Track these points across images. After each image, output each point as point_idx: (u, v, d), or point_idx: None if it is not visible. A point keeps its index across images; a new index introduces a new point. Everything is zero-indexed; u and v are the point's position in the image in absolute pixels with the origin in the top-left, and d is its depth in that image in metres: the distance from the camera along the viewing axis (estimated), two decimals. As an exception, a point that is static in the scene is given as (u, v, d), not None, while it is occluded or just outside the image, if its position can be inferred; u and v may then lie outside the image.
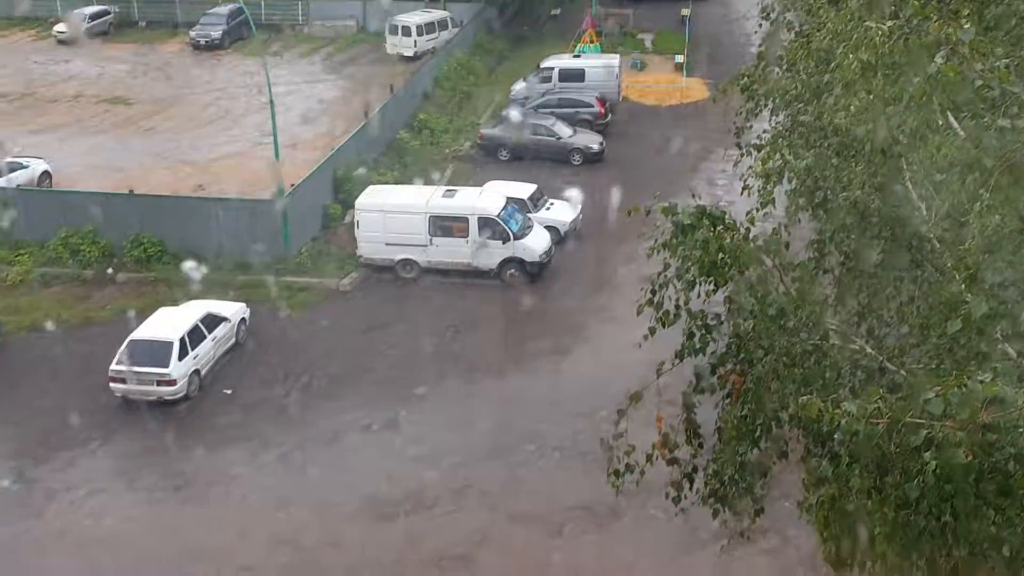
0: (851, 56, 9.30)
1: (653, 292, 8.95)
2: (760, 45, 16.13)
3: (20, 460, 20.48)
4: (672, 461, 9.61)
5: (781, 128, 13.21)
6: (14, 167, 31.59)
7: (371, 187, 28.87)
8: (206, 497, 19.21)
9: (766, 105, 13.58)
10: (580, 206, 29.68)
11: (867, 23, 9.14)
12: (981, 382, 6.28)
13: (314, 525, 18.13)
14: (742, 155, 13.33)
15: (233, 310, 24.29)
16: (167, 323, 22.77)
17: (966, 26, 8.06)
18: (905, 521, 6.75)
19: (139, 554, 17.58)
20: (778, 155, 11.67)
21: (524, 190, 29.22)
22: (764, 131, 13.53)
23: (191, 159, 34.68)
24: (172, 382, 21.67)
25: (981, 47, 8.27)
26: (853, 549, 7.54)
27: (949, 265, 9.42)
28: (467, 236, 26.57)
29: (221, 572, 17.01)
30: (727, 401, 9.13)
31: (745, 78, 13.85)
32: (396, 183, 30.70)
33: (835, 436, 6.74)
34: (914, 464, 6.42)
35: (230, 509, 18.85)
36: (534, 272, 26.64)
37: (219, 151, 35.44)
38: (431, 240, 26.77)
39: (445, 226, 26.80)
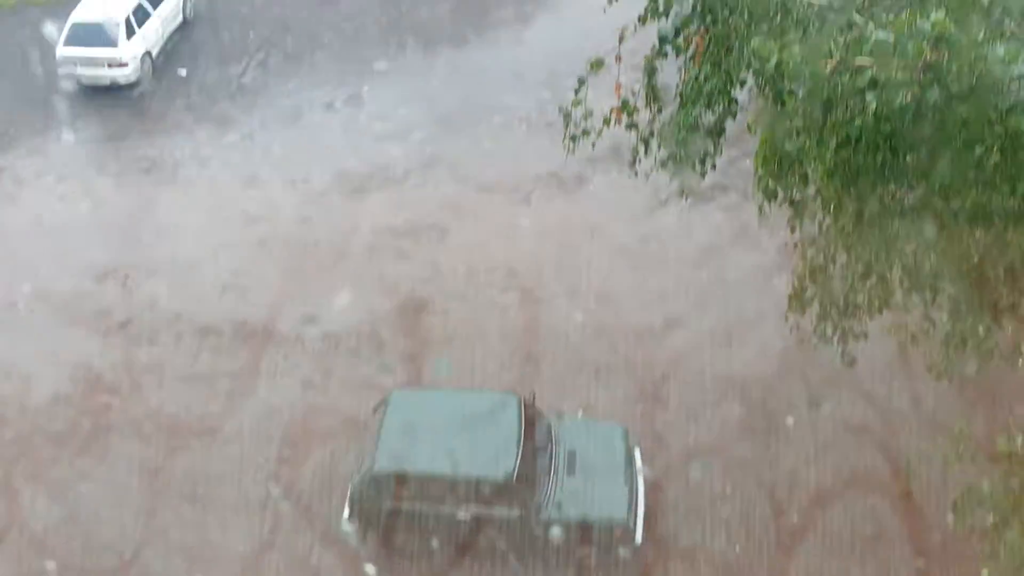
0: None
1: (618, -49, 8.58)
2: None
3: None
4: (630, 126, 9.78)
5: None
6: None
7: None
8: (176, 178, 19.35)
9: None
10: None
11: None
12: (932, 21, 6.30)
13: (286, 201, 18.49)
14: None
15: (176, -16, 22.95)
16: (108, 1, 21.58)
17: None
18: (845, 159, 7.08)
19: (117, 235, 18.01)
20: None
21: None
22: None
23: None
24: (123, 64, 20.97)
25: None
26: (788, 185, 7.97)
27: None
28: None
29: (199, 249, 17.55)
30: (690, 63, 9.10)
31: None
32: None
33: (788, 77, 6.87)
34: (857, 105, 6.62)
35: (201, 188, 19.09)
36: (493, -68, 25.04)
37: None
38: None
39: None
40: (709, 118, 9.28)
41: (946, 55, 6.29)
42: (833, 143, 7.03)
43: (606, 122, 9.61)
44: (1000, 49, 6.32)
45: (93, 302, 16.79)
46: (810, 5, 8.91)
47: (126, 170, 19.61)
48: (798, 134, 7.07)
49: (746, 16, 8.30)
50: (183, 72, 21.84)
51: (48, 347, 16.06)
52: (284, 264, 17.23)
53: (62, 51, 20.97)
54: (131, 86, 21.27)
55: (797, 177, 7.80)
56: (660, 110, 9.82)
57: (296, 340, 15.82)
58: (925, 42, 6.37)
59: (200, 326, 16.18)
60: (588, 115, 9.42)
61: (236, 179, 19.16)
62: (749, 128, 8.53)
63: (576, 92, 9.30)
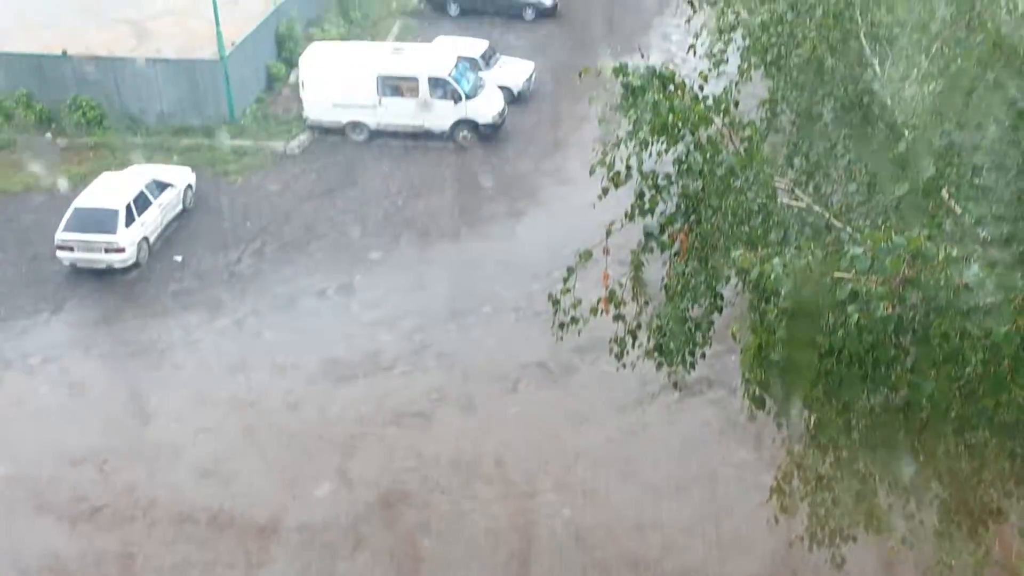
0: None
1: (605, 153, 8.95)
2: None
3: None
4: (617, 317, 9.91)
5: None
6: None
7: (315, 44, 27.87)
8: (163, 362, 19.31)
9: None
10: (533, 64, 29.08)
11: None
12: (908, 238, 6.52)
13: (273, 388, 18.39)
14: (694, 11, 13.10)
15: (178, 175, 23.78)
16: (112, 189, 22.28)
17: None
18: (828, 369, 7.12)
19: (99, 419, 17.76)
20: (732, 10, 11.50)
21: (475, 47, 28.47)
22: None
23: (126, 17, 33.04)
24: (121, 249, 21.39)
25: None
26: (774, 392, 7.97)
27: (899, 123, 9.51)
28: (418, 96, 26.01)
29: (182, 434, 17.27)
30: (675, 259, 9.32)
31: None
32: (341, 40, 29.70)
33: (769, 289, 7.02)
34: (839, 316, 6.74)
35: (188, 373, 19.00)
36: (487, 133, 26.29)
37: (156, 8, 33.79)
38: (380, 101, 26.16)
39: (394, 86, 26.14)
40: (696, 311, 9.41)
41: (922, 271, 6.48)
42: (816, 353, 7.11)
43: (593, 311, 9.73)
44: (975, 266, 6.53)
45: (68, 487, 16.33)
46: (789, 208, 9.27)
47: (113, 353, 19.58)
48: (782, 344, 7.15)
49: (728, 217, 8.59)
50: (179, 258, 22.25)
51: (17, 533, 15.48)
52: (267, 451, 16.92)
53: (61, 235, 21.41)
54: (126, 270, 21.60)
55: (784, 385, 7.83)
56: (647, 302, 9.96)
57: (273, 532, 15.30)
58: (902, 256, 6.57)
59: (177, 514, 15.68)
60: (577, 304, 9.57)
61: (224, 364, 19.13)
62: (733, 336, 8.64)
63: (565, 281, 9.50)
